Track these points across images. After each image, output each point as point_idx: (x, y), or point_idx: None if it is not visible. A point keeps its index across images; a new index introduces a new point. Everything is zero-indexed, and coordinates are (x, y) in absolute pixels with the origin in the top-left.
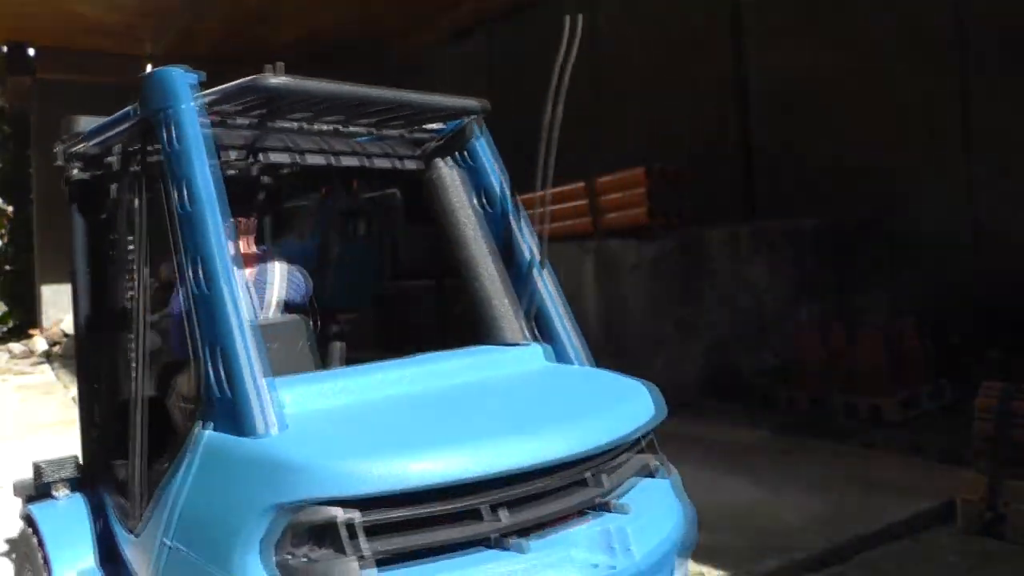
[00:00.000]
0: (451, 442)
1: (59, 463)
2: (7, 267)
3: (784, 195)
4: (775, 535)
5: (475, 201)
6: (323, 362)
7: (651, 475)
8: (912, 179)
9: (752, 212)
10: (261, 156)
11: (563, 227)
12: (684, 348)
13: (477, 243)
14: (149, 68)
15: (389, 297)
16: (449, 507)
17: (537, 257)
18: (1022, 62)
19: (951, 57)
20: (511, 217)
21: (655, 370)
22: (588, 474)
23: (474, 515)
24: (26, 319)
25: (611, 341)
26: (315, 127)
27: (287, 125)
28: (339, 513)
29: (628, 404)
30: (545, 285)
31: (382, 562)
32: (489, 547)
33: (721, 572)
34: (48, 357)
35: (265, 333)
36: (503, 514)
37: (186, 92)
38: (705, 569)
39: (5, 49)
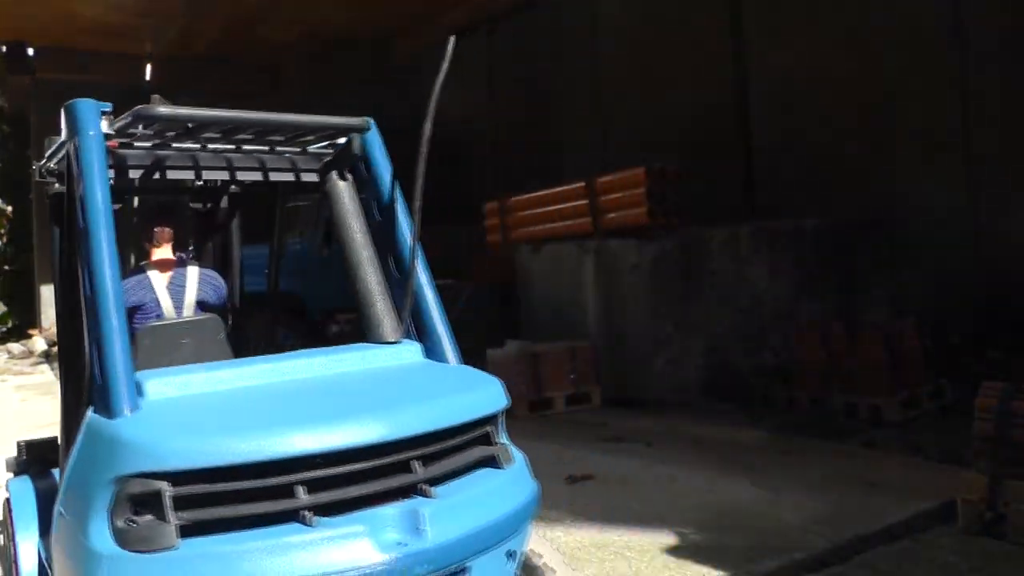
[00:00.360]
0: (266, 425)
1: (39, 443)
2: (6, 267)
3: (784, 195)
4: (775, 535)
5: (369, 209)
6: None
7: (493, 464)
8: (912, 179)
9: (752, 212)
10: (168, 174)
11: (563, 227)
12: (684, 348)
13: (362, 249)
14: (149, 69)
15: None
16: (256, 484)
17: (417, 260)
18: (1022, 62)
19: (951, 57)
20: (397, 223)
21: (655, 370)
22: (413, 460)
23: (287, 492)
24: (25, 319)
25: (611, 341)
26: (221, 146)
27: (194, 145)
28: (157, 485)
29: (460, 397)
30: (422, 287)
31: (194, 530)
32: (296, 521)
33: (721, 572)
34: (47, 357)
35: (181, 329)
36: (305, 492)
37: (91, 122)
38: (705, 569)
39: (4, 49)
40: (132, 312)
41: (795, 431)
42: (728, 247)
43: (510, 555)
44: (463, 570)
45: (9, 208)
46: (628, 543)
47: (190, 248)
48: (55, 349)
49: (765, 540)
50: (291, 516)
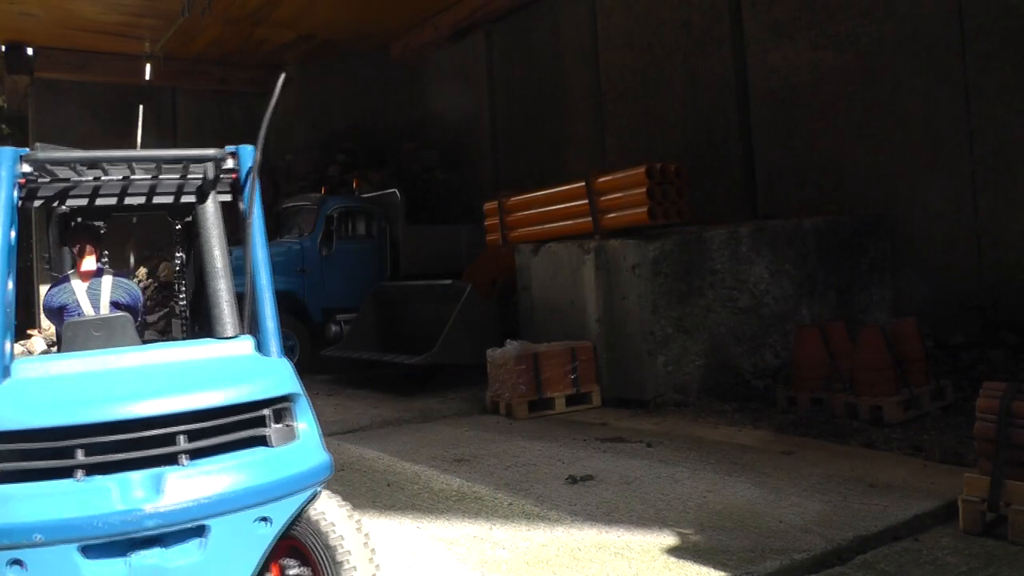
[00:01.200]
0: (63, 402)
1: None
2: None
3: (784, 195)
4: (776, 536)
5: (228, 223)
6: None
7: (264, 443)
8: (913, 178)
9: (752, 212)
10: (71, 200)
11: (563, 227)
12: (684, 348)
13: (216, 260)
14: (148, 68)
15: (390, 297)
16: (42, 445)
17: (261, 267)
18: (1022, 61)
19: (951, 57)
20: (251, 237)
21: (655, 370)
22: (179, 434)
23: (72, 453)
24: (25, 319)
25: (611, 341)
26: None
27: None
28: None
29: (231, 385)
30: (261, 291)
31: (3, 478)
32: (71, 477)
33: (722, 573)
34: None
35: (96, 324)
36: (83, 454)
37: (3, 164)
38: (706, 570)
39: (3, 48)
40: (60, 311)
41: (796, 431)
42: (728, 247)
43: (264, 520)
44: (202, 528)
45: None
46: (629, 543)
47: (178, 260)
48: (54, 349)
49: (766, 541)
50: (70, 473)
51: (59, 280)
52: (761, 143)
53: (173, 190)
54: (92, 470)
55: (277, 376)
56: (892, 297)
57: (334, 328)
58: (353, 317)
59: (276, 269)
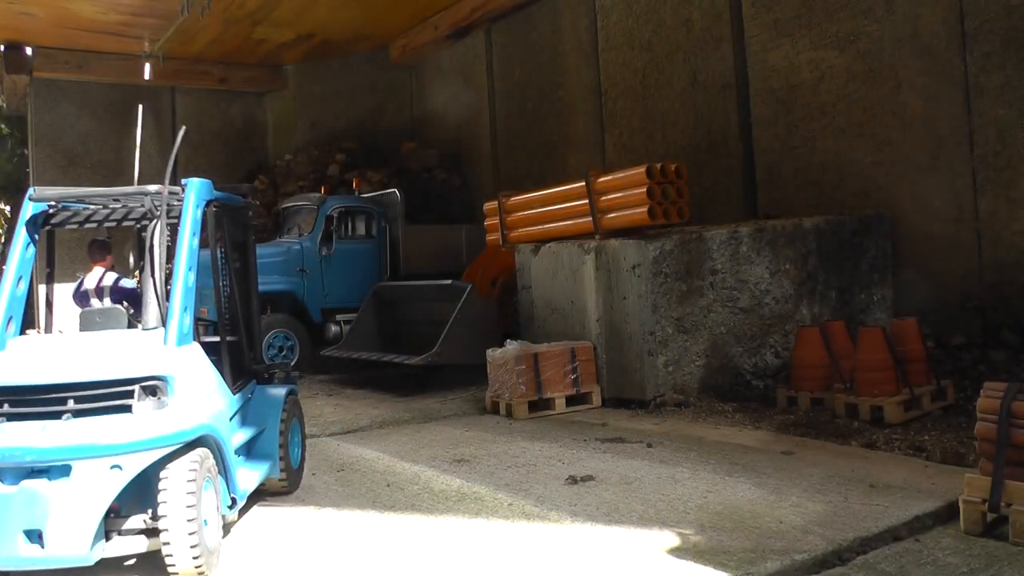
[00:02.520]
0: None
1: None
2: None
3: (785, 195)
4: (776, 536)
5: (169, 237)
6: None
7: (128, 410)
8: (913, 178)
9: (752, 212)
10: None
11: (563, 227)
12: (684, 348)
13: (153, 268)
14: (147, 68)
15: (390, 297)
16: None
17: (179, 276)
18: (1023, 61)
19: (952, 57)
20: (178, 251)
21: (655, 370)
22: (68, 397)
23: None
24: (25, 319)
25: (611, 341)
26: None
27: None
28: None
29: (108, 366)
30: (172, 292)
31: None
32: None
33: (722, 573)
34: None
35: (99, 312)
36: (8, 406)
37: (26, 206)
38: (706, 570)
39: (2, 48)
40: (80, 302)
41: (796, 431)
42: (728, 247)
43: (116, 467)
44: (67, 467)
45: (8, 208)
46: (629, 544)
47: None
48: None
49: (766, 541)
50: None
51: (79, 281)
52: (761, 143)
53: (138, 216)
54: (12, 418)
55: (155, 362)
56: (892, 297)
57: (334, 328)
58: (353, 317)
59: (276, 269)
